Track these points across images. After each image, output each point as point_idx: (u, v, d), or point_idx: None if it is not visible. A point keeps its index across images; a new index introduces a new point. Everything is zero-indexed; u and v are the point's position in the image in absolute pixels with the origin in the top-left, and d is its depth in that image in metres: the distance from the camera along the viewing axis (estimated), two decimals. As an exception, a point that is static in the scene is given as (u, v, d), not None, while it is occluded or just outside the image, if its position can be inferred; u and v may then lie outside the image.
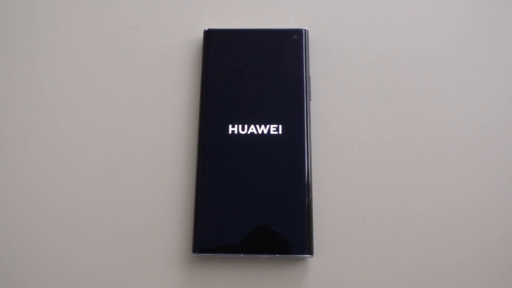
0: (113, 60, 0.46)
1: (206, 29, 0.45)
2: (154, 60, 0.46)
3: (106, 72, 0.46)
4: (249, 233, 0.39)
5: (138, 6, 0.48)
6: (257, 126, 0.42)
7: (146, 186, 0.42)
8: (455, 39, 0.46)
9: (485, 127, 0.43)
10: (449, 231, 0.41)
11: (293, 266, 0.40)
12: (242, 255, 0.39)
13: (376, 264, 0.40)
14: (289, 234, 0.39)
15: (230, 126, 0.42)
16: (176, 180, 0.42)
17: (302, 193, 0.40)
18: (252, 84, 0.43)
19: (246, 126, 0.42)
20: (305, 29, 0.45)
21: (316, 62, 0.45)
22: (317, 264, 0.40)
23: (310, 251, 0.39)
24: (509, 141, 0.43)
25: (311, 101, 0.43)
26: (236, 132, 0.41)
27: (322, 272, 0.40)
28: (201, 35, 0.46)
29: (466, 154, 0.43)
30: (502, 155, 0.43)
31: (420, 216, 0.41)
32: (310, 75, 0.44)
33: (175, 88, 0.45)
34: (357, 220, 0.41)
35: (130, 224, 0.41)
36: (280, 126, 0.42)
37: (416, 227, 0.41)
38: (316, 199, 0.41)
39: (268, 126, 0.42)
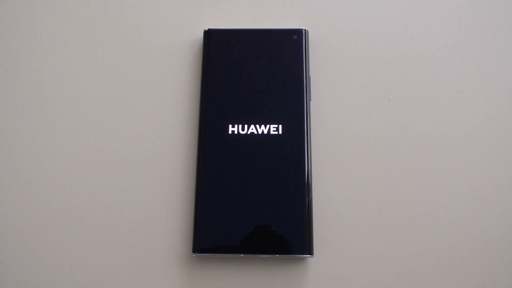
0: (113, 60, 0.46)
1: (206, 29, 0.45)
2: (154, 60, 0.46)
3: (106, 72, 0.46)
4: (249, 233, 0.39)
5: (138, 6, 0.48)
6: (257, 126, 0.42)
7: (146, 186, 0.42)
8: (455, 39, 0.46)
9: (486, 127, 0.43)
10: (449, 231, 0.41)
11: (293, 266, 0.40)
12: (242, 255, 0.39)
13: (376, 264, 0.40)
14: (289, 234, 0.39)
15: (230, 126, 0.42)
16: (176, 180, 0.42)
17: (302, 193, 0.40)
18: (252, 84, 0.43)
19: (246, 126, 0.42)
20: (305, 29, 0.45)
21: (316, 62, 0.45)
22: (317, 264, 0.40)
23: (310, 251, 0.39)
24: (509, 141, 0.43)
25: (311, 101, 0.43)
26: (236, 132, 0.41)
27: (322, 272, 0.40)
28: (201, 35, 0.46)
29: (467, 154, 0.43)
30: (503, 155, 0.43)
31: (420, 216, 0.41)
32: (310, 75, 0.44)
33: (175, 88, 0.45)
34: (357, 220, 0.41)
35: (130, 224, 0.41)
36: (280, 126, 0.42)
37: (416, 227, 0.41)
38: (316, 199, 0.41)
39: (268, 126, 0.42)
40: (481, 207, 0.41)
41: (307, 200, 0.40)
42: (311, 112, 0.43)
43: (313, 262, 0.40)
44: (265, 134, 0.41)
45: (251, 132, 0.41)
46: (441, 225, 0.41)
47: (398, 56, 0.46)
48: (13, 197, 0.42)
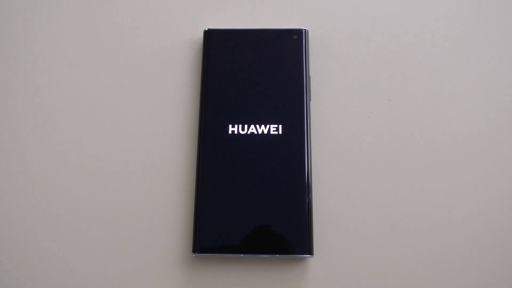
0: (113, 60, 0.46)
1: (206, 29, 0.45)
2: (154, 60, 0.46)
3: (106, 72, 0.46)
4: (249, 233, 0.39)
5: (138, 6, 0.48)
6: (257, 126, 0.42)
7: (146, 186, 0.42)
8: (455, 39, 0.46)
9: (485, 127, 0.43)
10: (449, 231, 0.41)
11: (293, 266, 0.40)
12: (242, 255, 0.39)
13: (376, 264, 0.40)
14: (289, 234, 0.39)
15: (230, 126, 0.42)
16: (176, 180, 0.42)
17: (302, 193, 0.40)
18: (252, 84, 0.43)
19: (246, 126, 0.42)
20: (305, 29, 0.45)
21: (316, 62, 0.45)
22: (317, 264, 0.40)
23: (310, 251, 0.39)
24: (509, 141, 0.43)
25: (311, 101, 0.43)
26: (236, 132, 0.41)
27: (322, 272, 0.40)
28: (201, 35, 0.46)
29: (466, 154, 0.43)
30: (502, 155, 0.43)
31: (420, 216, 0.41)
32: (310, 75, 0.44)
33: (175, 88, 0.45)
34: (357, 220, 0.41)
35: (130, 224, 0.41)
36: (280, 126, 0.42)
37: (416, 227, 0.41)
38: (316, 199, 0.41)
39: (268, 126, 0.42)
40: (481, 207, 0.41)
41: (307, 200, 0.40)
42: (311, 112, 0.43)
43: (313, 262, 0.40)
44: (265, 134, 0.41)
45: (251, 132, 0.41)
46: (441, 225, 0.41)
47: (398, 56, 0.46)
48: (13, 197, 0.42)
